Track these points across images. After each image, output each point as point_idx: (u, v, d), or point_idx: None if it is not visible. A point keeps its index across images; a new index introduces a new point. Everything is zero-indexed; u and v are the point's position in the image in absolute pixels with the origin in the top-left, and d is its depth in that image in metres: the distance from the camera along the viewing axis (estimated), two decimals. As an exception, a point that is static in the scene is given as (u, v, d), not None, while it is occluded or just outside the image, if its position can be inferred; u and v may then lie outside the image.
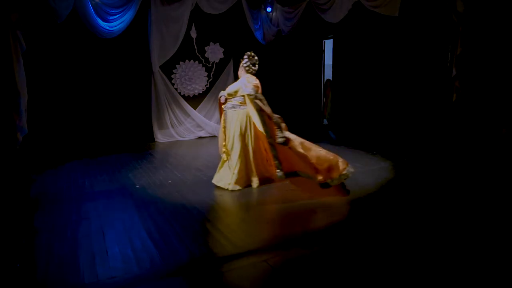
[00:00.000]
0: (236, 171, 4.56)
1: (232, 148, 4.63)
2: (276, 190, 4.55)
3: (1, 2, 3.94)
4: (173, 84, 8.47)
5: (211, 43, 8.86)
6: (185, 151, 7.37)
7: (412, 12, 6.61)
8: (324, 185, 4.14)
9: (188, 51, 8.58)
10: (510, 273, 2.56)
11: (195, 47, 8.65)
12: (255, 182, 4.67)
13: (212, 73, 8.92)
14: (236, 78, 9.20)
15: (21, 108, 4.45)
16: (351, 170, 4.08)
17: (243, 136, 4.64)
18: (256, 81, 4.76)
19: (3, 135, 3.74)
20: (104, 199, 4.32)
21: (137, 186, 4.80)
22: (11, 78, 4.13)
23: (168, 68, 8.38)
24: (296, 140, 4.34)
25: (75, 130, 7.38)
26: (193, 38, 8.57)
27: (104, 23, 7.18)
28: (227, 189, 4.55)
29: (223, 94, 4.81)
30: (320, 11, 8.14)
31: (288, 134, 4.40)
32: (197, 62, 8.73)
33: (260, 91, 4.73)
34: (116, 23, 7.32)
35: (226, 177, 4.65)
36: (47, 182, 5.12)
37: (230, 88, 4.75)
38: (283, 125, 4.46)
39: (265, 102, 4.64)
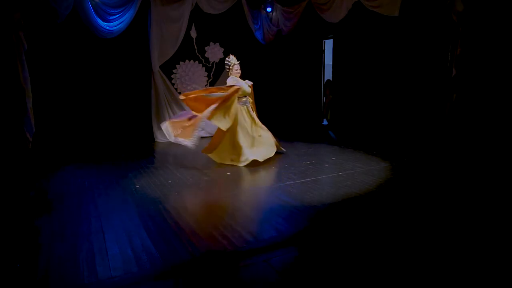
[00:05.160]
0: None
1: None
2: (276, 190, 4.55)
3: (3, 2, 3.94)
4: (173, 84, 8.47)
5: (211, 43, 8.86)
6: (185, 151, 7.36)
7: (412, 12, 6.62)
8: None
9: (188, 51, 8.58)
10: (510, 273, 2.56)
11: (195, 47, 8.65)
12: None
13: (212, 73, 8.92)
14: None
15: (27, 107, 4.47)
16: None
17: None
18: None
19: (12, 135, 3.75)
20: (104, 199, 4.32)
21: (137, 186, 4.80)
22: (16, 77, 4.15)
23: (168, 68, 8.38)
24: None
25: (74, 130, 7.38)
26: (193, 38, 8.57)
27: (104, 23, 7.19)
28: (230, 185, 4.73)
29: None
30: (320, 11, 8.14)
31: None
32: (197, 62, 8.73)
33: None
34: (116, 23, 7.33)
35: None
36: (47, 182, 5.12)
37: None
38: None
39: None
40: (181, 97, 5.87)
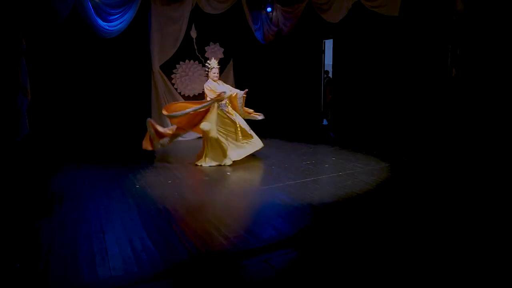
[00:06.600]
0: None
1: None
2: (276, 190, 4.55)
3: (2, 2, 3.94)
4: (173, 84, 8.47)
5: (211, 43, 8.86)
6: (185, 151, 7.37)
7: (412, 12, 6.61)
8: None
9: (188, 51, 8.58)
10: (510, 273, 2.56)
11: (195, 47, 8.65)
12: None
13: (212, 73, 8.91)
14: (236, 78, 9.22)
15: (24, 107, 4.47)
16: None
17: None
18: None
19: (12, 134, 3.75)
20: (104, 199, 4.32)
21: (137, 186, 4.80)
22: (15, 77, 4.16)
23: (168, 68, 8.38)
24: None
25: (74, 129, 7.38)
26: (193, 38, 8.57)
27: (104, 23, 7.18)
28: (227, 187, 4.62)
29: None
30: (320, 11, 8.14)
31: None
32: (197, 62, 8.73)
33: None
34: (116, 23, 7.32)
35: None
36: (47, 182, 5.11)
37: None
38: None
39: None
40: (164, 112, 5.99)
